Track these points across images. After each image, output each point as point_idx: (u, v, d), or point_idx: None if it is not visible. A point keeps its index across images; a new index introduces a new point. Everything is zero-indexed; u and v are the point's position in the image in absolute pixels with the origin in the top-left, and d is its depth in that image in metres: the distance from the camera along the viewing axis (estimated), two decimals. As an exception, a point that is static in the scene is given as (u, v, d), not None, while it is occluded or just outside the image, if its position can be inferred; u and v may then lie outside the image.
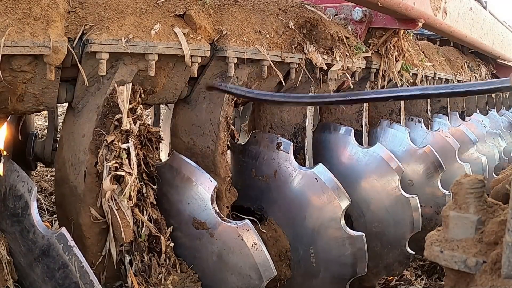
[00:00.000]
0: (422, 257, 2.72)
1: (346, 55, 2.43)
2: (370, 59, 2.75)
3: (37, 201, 1.44)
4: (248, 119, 2.81)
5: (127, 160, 1.60)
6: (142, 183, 1.71)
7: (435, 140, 3.55)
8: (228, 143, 2.10)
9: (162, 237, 1.72)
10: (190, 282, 1.76)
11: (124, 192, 1.58)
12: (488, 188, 1.22)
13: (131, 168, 1.59)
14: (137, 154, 1.64)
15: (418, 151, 3.13)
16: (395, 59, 2.92)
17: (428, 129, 3.76)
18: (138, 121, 1.66)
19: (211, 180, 1.78)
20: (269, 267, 1.74)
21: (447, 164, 3.33)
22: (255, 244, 1.72)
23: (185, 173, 1.82)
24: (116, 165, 1.57)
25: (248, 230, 1.73)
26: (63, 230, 1.36)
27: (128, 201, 1.60)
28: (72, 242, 1.35)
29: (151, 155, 1.74)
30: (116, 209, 1.59)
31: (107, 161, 1.58)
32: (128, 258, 1.67)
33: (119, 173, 1.57)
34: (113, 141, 1.59)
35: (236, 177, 2.24)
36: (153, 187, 1.76)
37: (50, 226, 2.47)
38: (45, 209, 3.42)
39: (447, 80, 4.10)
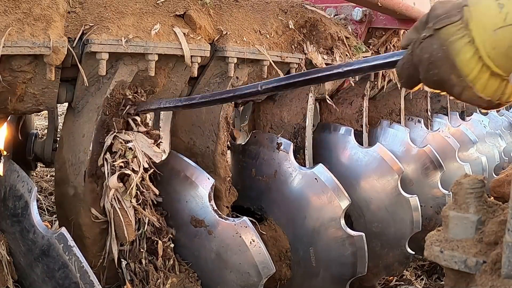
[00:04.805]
0: (422, 257, 2.72)
1: (346, 55, 2.43)
2: (370, 59, 2.75)
3: (37, 201, 1.44)
4: (248, 119, 2.81)
5: (130, 159, 1.60)
6: (143, 182, 1.71)
7: (435, 140, 3.55)
8: (228, 143, 2.10)
9: (161, 239, 1.72)
10: (189, 283, 1.76)
11: (129, 191, 1.58)
12: (488, 188, 1.21)
13: (138, 166, 1.59)
14: (142, 151, 1.64)
15: (418, 151, 3.13)
16: (395, 59, 2.91)
17: (428, 129, 3.76)
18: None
19: (208, 178, 1.78)
20: (268, 264, 1.73)
21: (447, 164, 3.33)
22: (253, 241, 1.72)
23: (182, 171, 1.82)
24: (121, 164, 1.57)
25: (246, 227, 1.73)
26: (63, 230, 1.35)
27: (132, 200, 1.60)
28: (72, 242, 1.34)
29: (151, 155, 1.74)
30: (119, 208, 1.59)
31: (107, 161, 1.58)
32: (124, 263, 1.66)
33: (126, 171, 1.57)
34: (115, 140, 1.60)
35: (236, 177, 2.24)
36: (153, 186, 1.76)
37: (50, 226, 2.47)
38: (45, 209, 3.42)
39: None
